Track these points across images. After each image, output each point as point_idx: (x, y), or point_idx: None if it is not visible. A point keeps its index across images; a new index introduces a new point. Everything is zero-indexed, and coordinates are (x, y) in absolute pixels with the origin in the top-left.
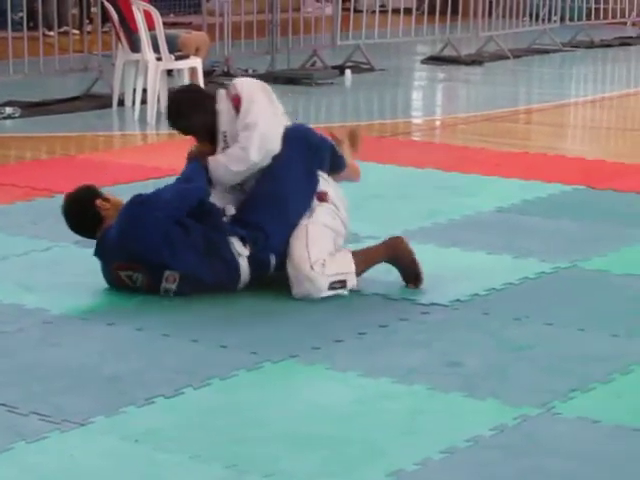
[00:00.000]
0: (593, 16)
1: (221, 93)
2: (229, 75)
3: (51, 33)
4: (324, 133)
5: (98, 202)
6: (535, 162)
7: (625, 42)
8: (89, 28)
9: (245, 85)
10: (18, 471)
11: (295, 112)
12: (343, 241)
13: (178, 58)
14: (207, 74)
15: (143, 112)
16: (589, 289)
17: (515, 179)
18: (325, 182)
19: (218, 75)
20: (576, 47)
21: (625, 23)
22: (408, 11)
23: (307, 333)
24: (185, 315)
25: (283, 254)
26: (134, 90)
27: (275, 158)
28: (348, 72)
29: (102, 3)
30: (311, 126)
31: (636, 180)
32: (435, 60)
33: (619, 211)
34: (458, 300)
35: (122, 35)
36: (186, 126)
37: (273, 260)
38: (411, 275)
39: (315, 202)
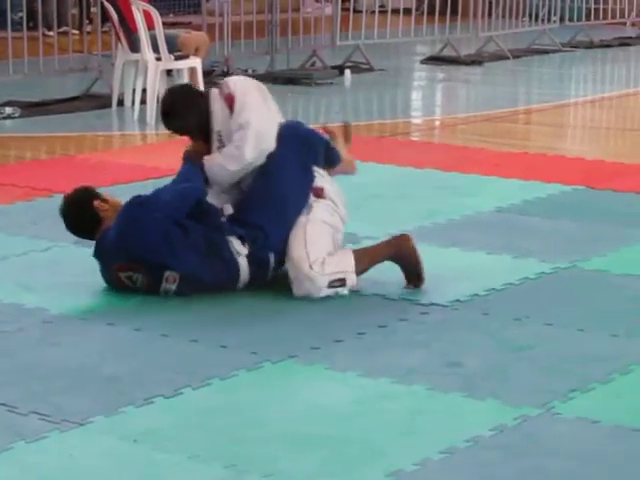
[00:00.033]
0: (593, 16)
1: (214, 92)
2: (229, 75)
3: (51, 33)
4: (317, 128)
5: (96, 203)
6: (535, 162)
7: (624, 42)
8: (89, 28)
9: (238, 84)
10: (18, 471)
11: (294, 112)
12: (342, 237)
13: (178, 58)
14: (207, 74)
15: (142, 112)
16: (589, 289)
17: (515, 179)
18: (321, 177)
19: (218, 75)
20: (576, 47)
21: (624, 23)
22: (407, 11)
23: (307, 333)
24: (184, 315)
25: (282, 252)
26: (134, 90)
27: (270, 156)
28: (348, 72)
29: (102, 3)
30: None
31: (635, 180)
32: (435, 60)
33: (618, 211)
34: (458, 300)
35: (122, 35)
36: (180, 126)
37: (272, 258)
38: (413, 275)
39: (312, 198)
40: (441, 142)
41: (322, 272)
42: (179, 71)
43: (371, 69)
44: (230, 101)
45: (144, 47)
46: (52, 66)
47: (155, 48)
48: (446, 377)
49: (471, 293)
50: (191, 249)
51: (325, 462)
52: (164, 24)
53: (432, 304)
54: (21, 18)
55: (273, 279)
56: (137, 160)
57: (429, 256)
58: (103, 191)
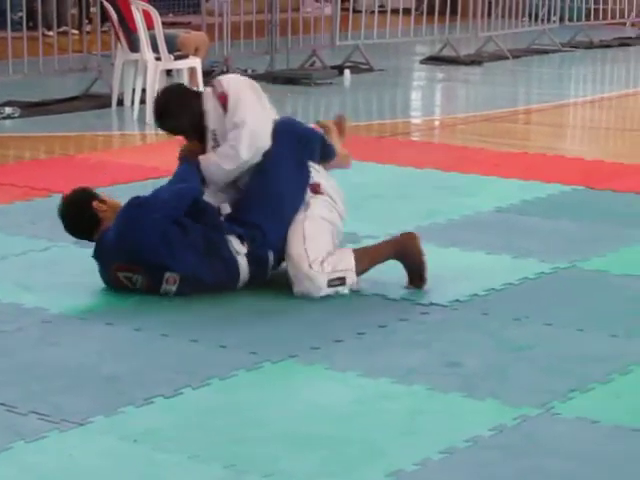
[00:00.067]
0: (592, 16)
1: (207, 91)
2: None
3: (50, 33)
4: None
5: (95, 204)
6: (534, 162)
7: (624, 42)
8: (88, 28)
9: (231, 82)
10: (17, 470)
11: (294, 112)
12: (341, 234)
13: (177, 58)
14: (206, 74)
15: (142, 112)
16: (588, 289)
17: (514, 179)
18: (317, 173)
19: (217, 75)
20: (575, 47)
21: (624, 24)
22: (407, 11)
23: (307, 333)
24: (184, 315)
25: (281, 250)
26: (133, 90)
27: (266, 154)
28: (347, 72)
29: (101, 3)
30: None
31: (635, 180)
32: (434, 60)
33: (618, 211)
34: (457, 300)
35: (121, 35)
36: (174, 126)
37: (271, 256)
38: (416, 275)
39: (309, 194)
40: (441, 142)
41: (321, 271)
42: (179, 71)
43: (371, 69)
44: (223, 100)
45: (144, 47)
46: (52, 66)
47: (155, 48)
48: (446, 377)
49: (471, 293)
50: (190, 249)
51: (325, 462)
52: (164, 24)
53: (432, 304)
54: (21, 18)
55: (273, 278)
56: (136, 160)
57: (429, 256)
58: (102, 191)
